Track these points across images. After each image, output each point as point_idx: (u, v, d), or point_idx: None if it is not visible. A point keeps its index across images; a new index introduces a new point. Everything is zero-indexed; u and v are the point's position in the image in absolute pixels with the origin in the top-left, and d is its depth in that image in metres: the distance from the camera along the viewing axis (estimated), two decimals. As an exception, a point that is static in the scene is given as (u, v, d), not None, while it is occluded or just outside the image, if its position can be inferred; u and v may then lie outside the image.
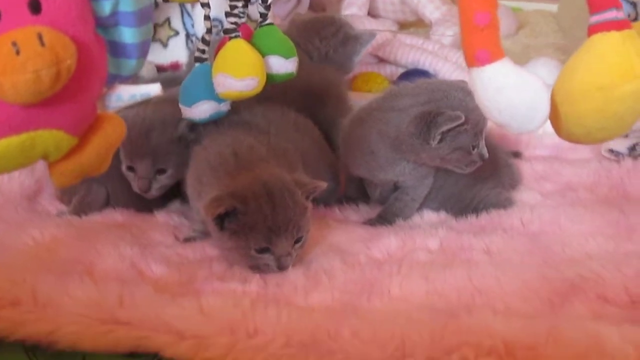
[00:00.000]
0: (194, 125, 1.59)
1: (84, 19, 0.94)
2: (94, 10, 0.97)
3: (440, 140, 1.54)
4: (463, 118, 1.50)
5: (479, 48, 1.06)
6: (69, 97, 0.92)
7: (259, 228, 1.39)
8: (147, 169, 1.60)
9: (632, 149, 1.92)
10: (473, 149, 1.56)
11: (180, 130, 1.60)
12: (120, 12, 0.99)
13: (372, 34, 2.09)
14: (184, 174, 1.59)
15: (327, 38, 2.01)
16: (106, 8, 0.97)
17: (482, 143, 1.57)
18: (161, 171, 1.62)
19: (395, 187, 1.69)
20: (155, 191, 1.64)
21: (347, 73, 2.11)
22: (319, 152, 1.72)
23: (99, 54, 0.97)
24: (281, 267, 1.42)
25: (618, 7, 1.07)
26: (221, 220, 1.40)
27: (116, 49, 1.00)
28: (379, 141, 1.61)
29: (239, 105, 1.59)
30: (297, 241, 1.42)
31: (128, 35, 1.00)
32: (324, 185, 1.47)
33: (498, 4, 1.06)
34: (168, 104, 1.62)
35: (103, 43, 0.98)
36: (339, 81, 1.97)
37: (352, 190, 1.76)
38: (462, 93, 1.55)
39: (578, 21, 1.83)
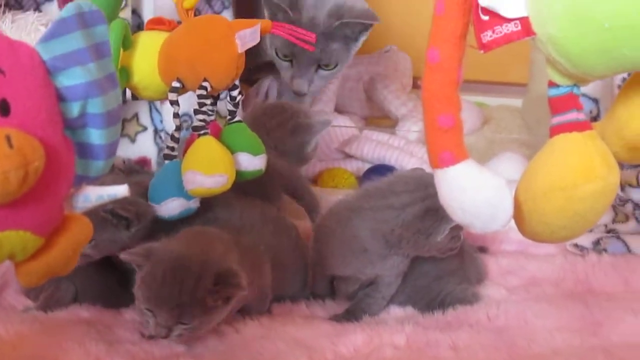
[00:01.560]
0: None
1: (53, 121, 0.95)
2: (63, 111, 0.97)
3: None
4: None
5: (443, 150, 1.08)
6: (36, 198, 0.92)
7: (147, 289, 1.40)
8: None
9: (597, 243, 1.94)
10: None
11: None
12: (89, 114, 0.99)
13: (326, 122, 2.06)
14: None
15: (273, 130, 1.96)
16: (74, 110, 0.98)
17: None
18: None
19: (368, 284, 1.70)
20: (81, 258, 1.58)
21: (303, 164, 2.08)
22: (294, 253, 1.73)
23: (66, 156, 0.97)
24: (156, 334, 1.43)
25: (579, 108, 1.10)
26: None
27: (84, 150, 1.01)
28: (372, 239, 1.62)
29: (215, 203, 1.60)
30: (183, 323, 1.41)
31: (96, 136, 1.01)
32: (244, 292, 1.44)
33: (461, 106, 1.08)
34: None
35: (71, 144, 0.99)
36: (292, 174, 1.96)
37: (320, 287, 1.76)
38: None
39: (542, 116, 1.86)
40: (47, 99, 0.95)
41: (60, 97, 0.97)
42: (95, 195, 1.03)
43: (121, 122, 1.05)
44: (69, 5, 0.97)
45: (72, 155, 0.99)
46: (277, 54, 2.30)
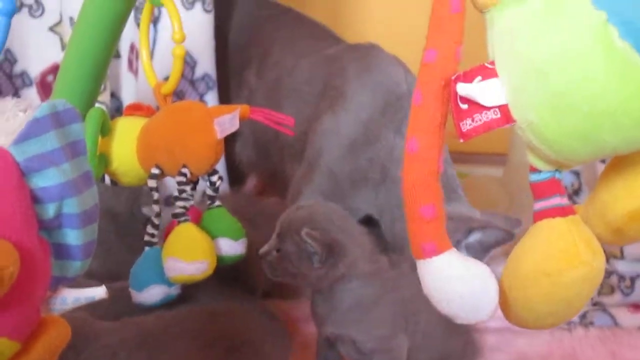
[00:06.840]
0: None
1: (27, 224, 0.93)
2: (38, 213, 0.96)
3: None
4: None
5: (426, 241, 1.07)
6: (11, 303, 0.90)
7: None
8: None
9: (583, 316, 1.94)
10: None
11: None
12: (65, 214, 0.98)
13: None
14: None
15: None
16: (50, 211, 0.96)
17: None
18: None
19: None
20: None
21: None
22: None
23: (42, 258, 0.95)
24: None
25: (562, 193, 1.09)
26: None
27: (60, 251, 0.99)
28: None
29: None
30: None
31: (72, 237, 0.99)
32: None
33: (443, 196, 1.07)
34: None
35: (47, 246, 0.97)
36: None
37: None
38: None
39: (523, 187, 1.86)
40: (21, 202, 0.93)
41: (35, 199, 0.95)
42: (72, 297, 1.01)
43: (97, 221, 1.03)
44: (43, 105, 0.95)
45: (48, 257, 0.97)
46: None
